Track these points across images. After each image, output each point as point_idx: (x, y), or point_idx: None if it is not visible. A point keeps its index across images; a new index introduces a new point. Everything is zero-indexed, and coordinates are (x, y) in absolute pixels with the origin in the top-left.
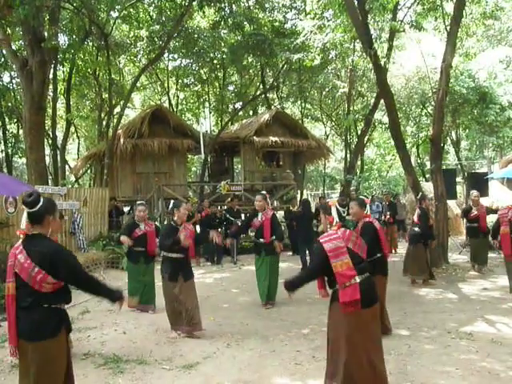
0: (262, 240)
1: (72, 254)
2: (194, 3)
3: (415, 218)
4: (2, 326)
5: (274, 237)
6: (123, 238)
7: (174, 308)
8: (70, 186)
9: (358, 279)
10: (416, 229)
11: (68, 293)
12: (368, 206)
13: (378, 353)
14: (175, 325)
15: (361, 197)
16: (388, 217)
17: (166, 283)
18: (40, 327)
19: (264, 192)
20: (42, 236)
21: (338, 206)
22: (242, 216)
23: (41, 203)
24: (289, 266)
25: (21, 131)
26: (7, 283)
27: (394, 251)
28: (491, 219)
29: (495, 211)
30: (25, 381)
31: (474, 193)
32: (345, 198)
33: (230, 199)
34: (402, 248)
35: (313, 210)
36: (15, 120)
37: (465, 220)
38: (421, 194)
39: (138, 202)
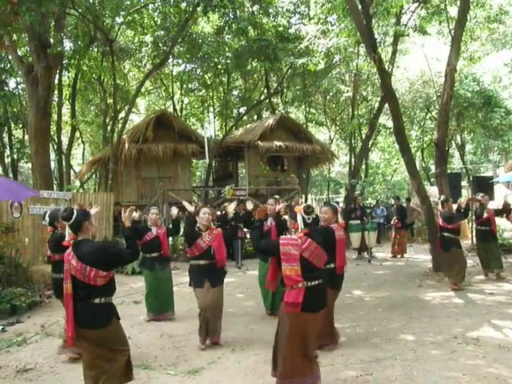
0: None
1: (111, 246)
2: (199, 9)
3: (440, 223)
4: (7, 331)
5: None
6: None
7: (203, 316)
8: (74, 191)
9: (304, 284)
10: (445, 234)
11: (114, 284)
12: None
13: (304, 357)
14: (201, 335)
15: (333, 203)
16: (396, 221)
17: (195, 290)
18: (93, 318)
19: (277, 196)
20: (86, 240)
21: (304, 214)
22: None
23: (75, 214)
24: None
25: (26, 136)
26: (65, 284)
27: (401, 256)
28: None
29: (503, 211)
30: (89, 363)
31: (485, 196)
32: (310, 205)
33: (227, 204)
34: (410, 253)
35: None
36: (21, 125)
37: (472, 224)
38: (443, 197)
39: (152, 207)
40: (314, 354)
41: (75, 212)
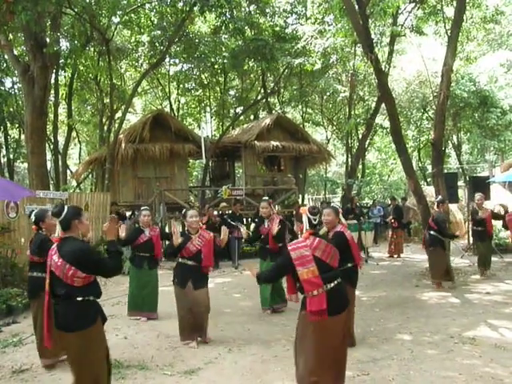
0: (268, 246)
1: (95, 250)
2: (195, 8)
3: (430, 221)
4: (3, 331)
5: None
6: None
7: (183, 315)
8: (71, 191)
9: (325, 288)
10: (432, 232)
11: (98, 288)
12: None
13: (341, 363)
14: (182, 334)
15: (333, 205)
16: (392, 220)
17: (176, 289)
18: (78, 318)
19: (266, 197)
20: (72, 238)
21: (309, 214)
22: (244, 220)
23: (65, 211)
24: None
25: (22, 136)
26: (47, 281)
27: (397, 256)
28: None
29: (502, 217)
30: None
31: (478, 196)
32: (316, 206)
33: (223, 204)
34: (406, 253)
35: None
36: (17, 125)
37: (469, 224)
38: (440, 197)
39: (143, 208)
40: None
41: (66, 209)
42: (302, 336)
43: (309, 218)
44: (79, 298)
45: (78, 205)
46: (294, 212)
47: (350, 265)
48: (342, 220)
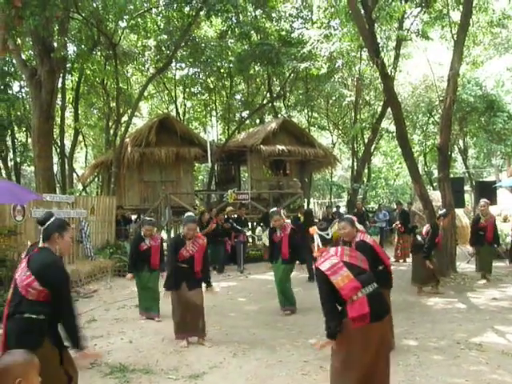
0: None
1: (66, 271)
2: (202, 13)
3: (424, 231)
4: None
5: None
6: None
7: (178, 315)
8: (77, 195)
9: (364, 291)
10: (419, 238)
11: (57, 309)
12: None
13: (386, 369)
14: (177, 333)
15: (347, 216)
16: (399, 225)
17: (172, 293)
18: (20, 336)
19: (275, 209)
20: (47, 249)
21: (319, 232)
22: (249, 225)
23: (50, 221)
24: (295, 274)
25: (29, 140)
26: (10, 290)
27: (403, 261)
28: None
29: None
30: None
31: (482, 202)
32: (323, 222)
33: (230, 208)
34: None
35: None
36: (24, 129)
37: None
38: (445, 210)
39: (147, 219)
40: None
41: (51, 219)
42: (337, 350)
43: (320, 236)
44: (26, 315)
45: (85, 208)
46: (299, 214)
47: (380, 267)
48: (359, 227)
